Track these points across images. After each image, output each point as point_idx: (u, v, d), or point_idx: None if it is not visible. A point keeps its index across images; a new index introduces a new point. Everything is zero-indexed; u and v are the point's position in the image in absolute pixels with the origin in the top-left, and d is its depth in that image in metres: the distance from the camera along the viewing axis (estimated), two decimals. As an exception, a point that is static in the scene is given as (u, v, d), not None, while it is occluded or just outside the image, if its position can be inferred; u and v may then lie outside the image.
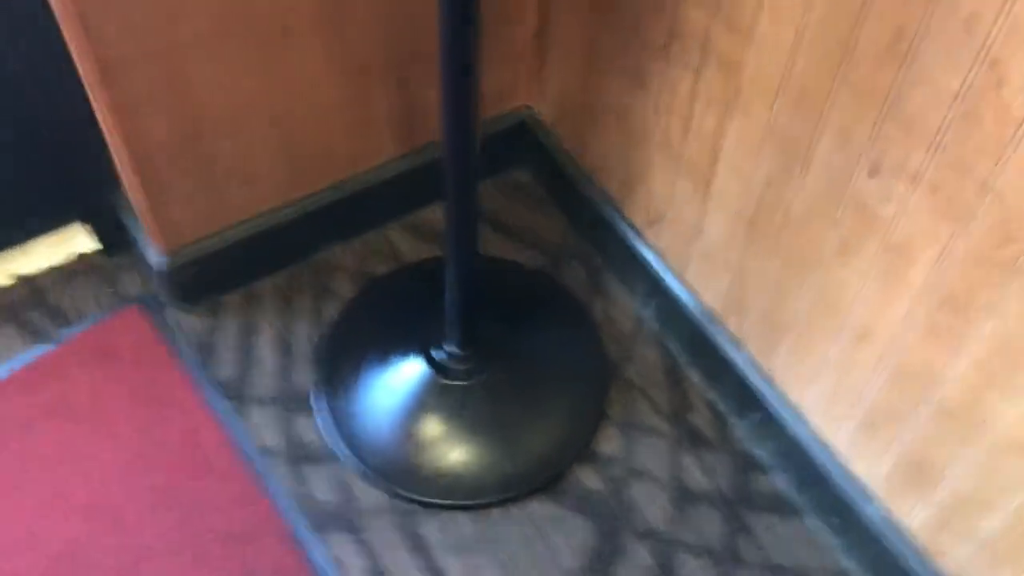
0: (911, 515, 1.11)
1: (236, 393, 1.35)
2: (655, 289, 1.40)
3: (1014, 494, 0.97)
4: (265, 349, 1.39)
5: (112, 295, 1.45)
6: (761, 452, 1.31)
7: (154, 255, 1.36)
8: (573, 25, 1.34)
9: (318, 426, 1.32)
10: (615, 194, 1.42)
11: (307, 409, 1.34)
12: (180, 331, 1.41)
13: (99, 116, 1.18)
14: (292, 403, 1.34)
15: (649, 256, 1.38)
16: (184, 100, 1.21)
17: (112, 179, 1.41)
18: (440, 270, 1.24)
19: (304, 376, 1.37)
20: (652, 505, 1.27)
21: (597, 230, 1.48)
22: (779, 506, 1.27)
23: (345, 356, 1.37)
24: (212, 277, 1.42)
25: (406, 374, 1.33)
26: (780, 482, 1.29)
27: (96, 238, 1.48)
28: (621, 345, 1.42)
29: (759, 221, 1.14)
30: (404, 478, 1.26)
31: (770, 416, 1.26)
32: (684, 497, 1.28)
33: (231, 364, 1.38)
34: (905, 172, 0.92)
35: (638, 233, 1.40)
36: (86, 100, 1.18)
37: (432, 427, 1.29)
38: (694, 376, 1.39)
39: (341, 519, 1.24)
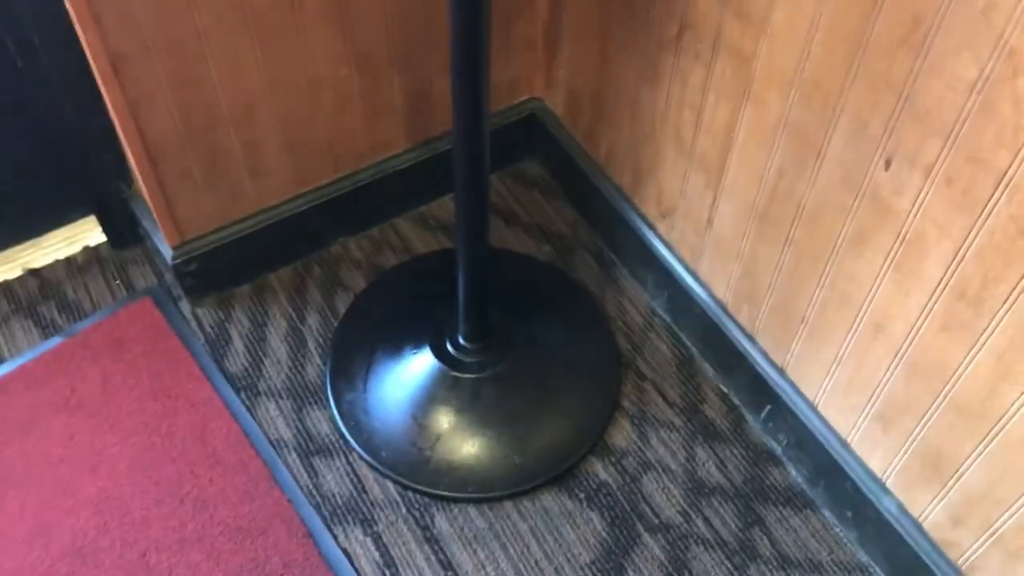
0: (926, 509, 1.11)
1: (247, 385, 1.35)
2: (667, 281, 1.39)
3: (1030, 489, 0.96)
4: (276, 342, 1.39)
5: (123, 288, 1.45)
6: (775, 445, 1.31)
7: (165, 248, 1.36)
8: (584, 16, 1.33)
9: (329, 419, 1.32)
10: (626, 187, 1.41)
11: (318, 402, 1.34)
12: (191, 324, 1.41)
13: (110, 109, 1.18)
14: (303, 396, 1.34)
15: (661, 248, 1.38)
16: (194, 93, 1.20)
17: (123, 172, 1.41)
18: (451, 262, 1.23)
19: (315, 369, 1.37)
20: (665, 498, 1.26)
21: (608, 222, 1.47)
22: (793, 499, 1.27)
23: (356, 349, 1.37)
24: (223, 270, 1.42)
25: (417, 367, 1.32)
26: (794, 475, 1.29)
27: (107, 231, 1.48)
28: (633, 338, 1.41)
29: (772, 213, 1.13)
30: (415, 471, 1.26)
31: (784, 408, 1.25)
32: (697, 490, 1.27)
33: (242, 357, 1.38)
34: (920, 164, 0.91)
35: (650, 225, 1.39)
36: (97, 93, 1.18)
37: (443, 420, 1.29)
38: (707, 368, 1.38)
39: (352, 512, 1.24)
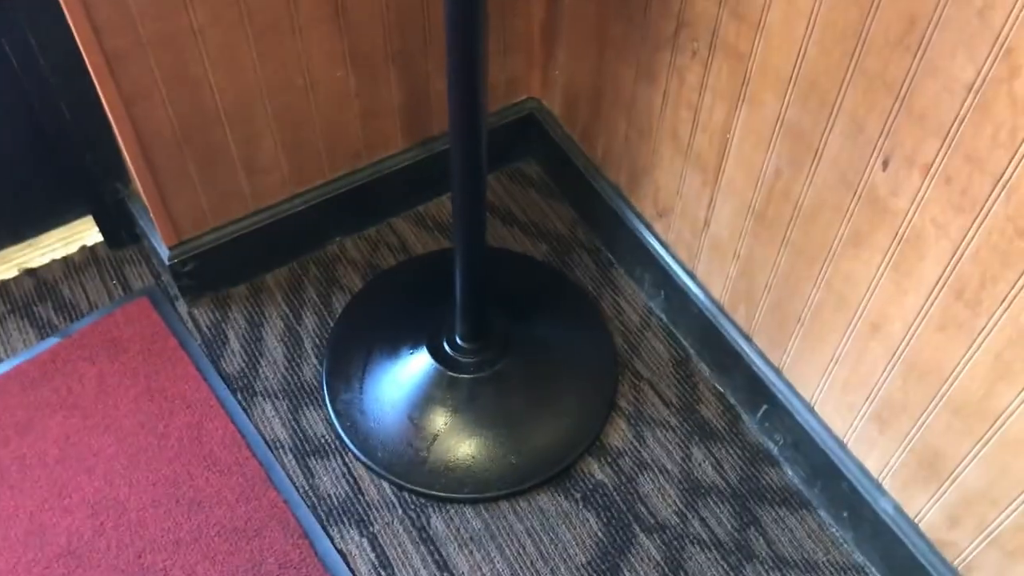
0: (922, 509, 1.10)
1: (243, 386, 1.35)
2: (664, 281, 1.39)
3: (1027, 489, 0.96)
4: (272, 342, 1.39)
5: (120, 288, 1.45)
6: (771, 445, 1.31)
7: (162, 248, 1.36)
8: (581, 15, 1.33)
9: (325, 419, 1.32)
10: (623, 186, 1.41)
11: (314, 402, 1.33)
12: (187, 324, 1.41)
13: (106, 107, 1.17)
14: (299, 396, 1.34)
15: (658, 248, 1.37)
16: (190, 92, 1.20)
17: (120, 172, 1.41)
18: (447, 262, 1.23)
19: (311, 369, 1.36)
20: (661, 498, 1.26)
21: (606, 222, 1.47)
22: (789, 499, 1.27)
23: (353, 349, 1.36)
24: (220, 269, 1.41)
25: (414, 367, 1.32)
26: (790, 475, 1.29)
27: (104, 231, 1.48)
28: (630, 337, 1.41)
29: (769, 213, 1.13)
30: (411, 471, 1.26)
31: (780, 408, 1.25)
32: (693, 490, 1.27)
33: (238, 357, 1.37)
34: (918, 164, 0.91)
35: (647, 225, 1.39)
36: (93, 92, 1.18)
37: (440, 420, 1.29)
38: (704, 368, 1.38)
39: (348, 513, 1.24)
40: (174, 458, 1.27)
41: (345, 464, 1.28)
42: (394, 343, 1.36)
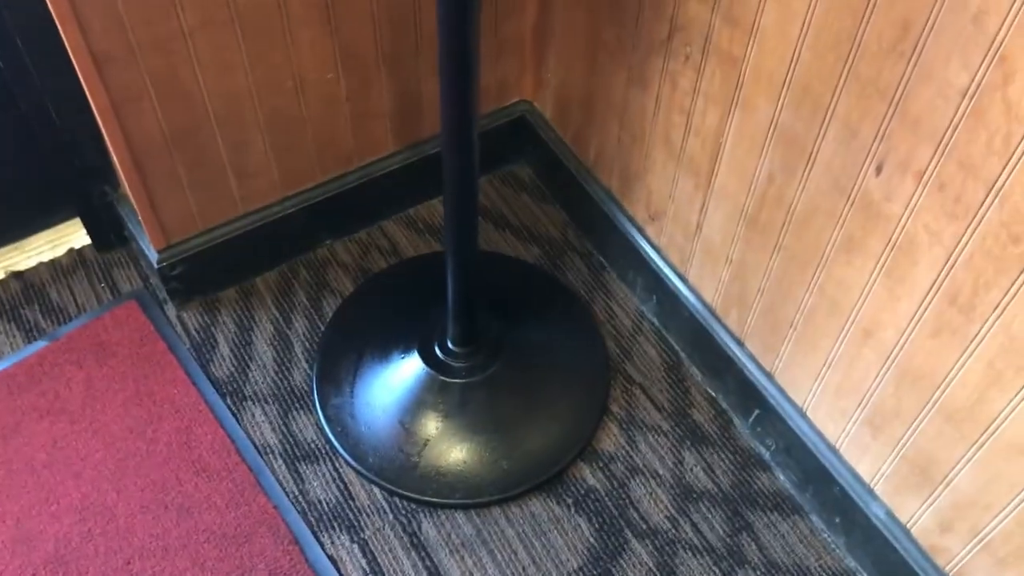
0: (914, 514, 1.10)
1: (232, 390, 1.34)
2: (656, 285, 1.38)
3: (1017, 496, 0.96)
4: (262, 346, 1.38)
5: (108, 291, 1.43)
6: (763, 450, 1.30)
7: (151, 251, 1.35)
8: (573, 19, 1.32)
9: (315, 424, 1.31)
10: (615, 190, 1.41)
11: (304, 407, 1.33)
12: (176, 327, 1.40)
13: (95, 110, 1.16)
14: (289, 400, 1.33)
15: (650, 252, 1.37)
16: (180, 94, 1.19)
17: (108, 174, 1.39)
18: (439, 265, 1.22)
19: (301, 373, 1.36)
20: (653, 503, 1.26)
21: (598, 226, 1.47)
22: (781, 504, 1.26)
23: (343, 353, 1.36)
24: (209, 273, 1.40)
25: (405, 372, 1.32)
26: (782, 480, 1.28)
27: (92, 234, 1.46)
28: (622, 341, 1.41)
29: (761, 218, 1.13)
30: (403, 477, 1.25)
31: (772, 413, 1.25)
32: (685, 495, 1.27)
33: (228, 361, 1.37)
34: (912, 170, 0.91)
35: (639, 229, 1.39)
36: (81, 95, 1.16)
37: (431, 425, 1.28)
38: (695, 373, 1.38)
39: (339, 518, 1.23)
40: (163, 463, 1.26)
41: (335, 469, 1.27)
42: (385, 347, 1.35)
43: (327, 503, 1.24)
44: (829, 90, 0.96)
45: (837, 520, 1.22)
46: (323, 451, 1.29)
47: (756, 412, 1.28)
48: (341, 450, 1.28)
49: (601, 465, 1.29)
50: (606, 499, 1.26)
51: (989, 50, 0.79)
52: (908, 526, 1.12)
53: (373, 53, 1.31)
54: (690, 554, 1.22)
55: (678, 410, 1.34)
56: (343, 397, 1.32)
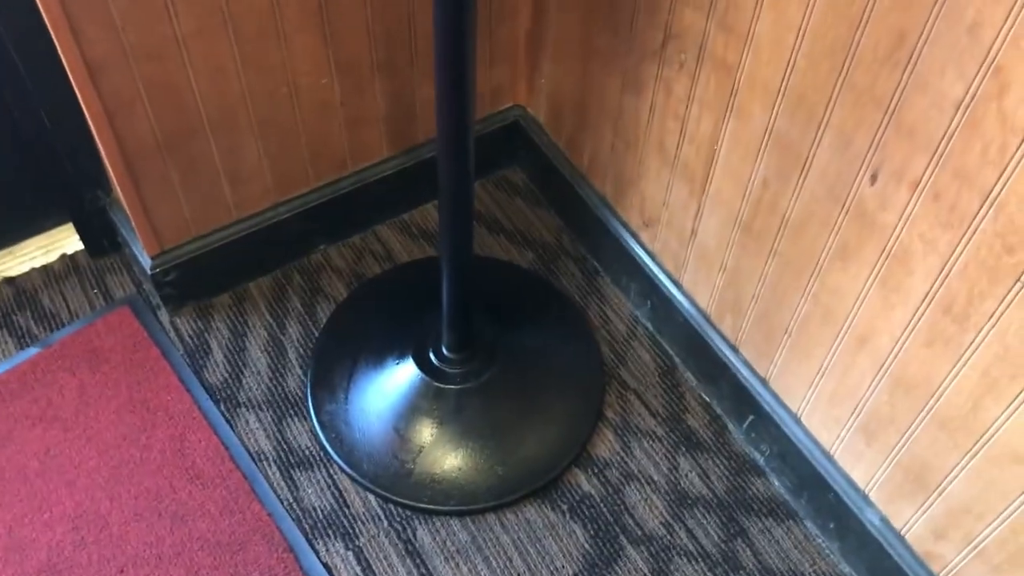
0: (908, 521, 1.11)
1: (226, 397, 1.33)
2: (650, 291, 1.38)
3: (1011, 504, 0.96)
4: (256, 352, 1.38)
5: (101, 297, 1.43)
6: (758, 455, 1.30)
7: (144, 257, 1.34)
8: (567, 25, 1.32)
9: (310, 431, 1.30)
10: (609, 196, 1.41)
11: (298, 413, 1.32)
12: (170, 334, 1.39)
13: (87, 116, 1.16)
14: (283, 407, 1.33)
15: (644, 257, 1.37)
16: (173, 100, 1.19)
17: (101, 180, 1.39)
18: (433, 270, 1.22)
19: (295, 380, 1.35)
20: (648, 509, 1.26)
21: (592, 231, 1.47)
22: (776, 510, 1.27)
23: (337, 359, 1.35)
24: (202, 279, 1.40)
25: (400, 377, 1.31)
26: (777, 485, 1.28)
27: (84, 239, 1.46)
28: (616, 347, 1.41)
29: (756, 225, 1.13)
30: (397, 483, 1.25)
31: (767, 419, 1.25)
32: (680, 501, 1.27)
33: (221, 367, 1.36)
34: (906, 179, 0.91)
35: (633, 234, 1.39)
36: (74, 100, 1.16)
37: (426, 432, 1.28)
38: (690, 378, 1.38)
39: (334, 526, 1.23)
40: (156, 471, 1.26)
41: (330, 476, 1.27)
42: (380, 353, 1.35)
43: (322, 510, 1.24)
44: (824, 98, 0.96)
45: (831, 526, 1.22)
46: (317, 458, 1.28)
47: (750, 418, 1.29)
48: (336, 457, 1.27)
49: (596, 471, 1.29)
50: (601, 505, 1.26)
51: (984, 61, 0.79)
52: (902, 532, 1.12)
53: (367, 58, 1.30)
54: (685, 560, 1.22)
55: (673, 416, 1.34)
56: (338, 403, 1.31)
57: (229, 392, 1.34)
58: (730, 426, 1.33)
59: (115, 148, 1.19)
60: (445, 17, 0.92)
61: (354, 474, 1.26)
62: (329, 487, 1.26)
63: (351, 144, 1.40)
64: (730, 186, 1.15)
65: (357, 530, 1.23)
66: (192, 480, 1.25)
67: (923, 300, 0.95)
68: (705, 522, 1.25)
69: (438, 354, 1.31)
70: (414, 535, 1.23)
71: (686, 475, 1.29)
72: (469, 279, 1.21)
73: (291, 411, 1.32)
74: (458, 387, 1.30)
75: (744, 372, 1.27)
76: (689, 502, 1.27)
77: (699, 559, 1.22)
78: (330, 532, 1.23)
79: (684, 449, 1.31)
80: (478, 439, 1.28)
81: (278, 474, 1.27)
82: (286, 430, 1.31)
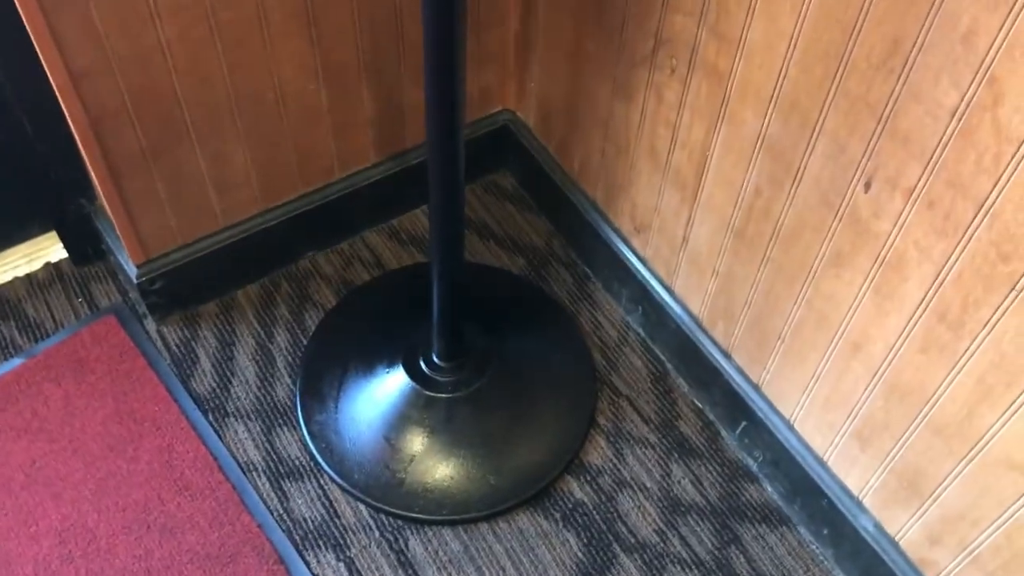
0: (903, 527, 1.10)
1: (214, 407, 1.32)
2: (642, 296, 1.38)
3: (1006, 511, 0.96)
4: (244, 361, 1.36)
5: (86, 306, 1.41)
6: (750, 461, 1.30)
7: (129, 265, 1.33)
8: (557, 29, 1.31)
9: (299, 440, 1.29)
10: (600, 201, 1.40)
11: (288, 423, 1.31)
12: (156, 342, 1.38)
13: (71, 125, 1.14)
14: (272, 416, 1.31)
15: (635, 263, 1.36)
16: (159, 107, 1.17)
17: (85, 188, 1.37)
18: (423, 277, 1.21)
19: (284, 389, 1.34)
20: (641, 517, 1.25)
21: (582, 236, 1.46)
22: (769, 516, 1.26)
23: (327, 368, 1.34)
24: (189, 287, 1.38)
25: (390, 386, 1.30)
26: (770, 491, 1.28)
27: (69, 247, 1.44)
28: (608, 353, 1.40)
29: (748, 232, 1.13)
30: (388, 493, 1.24)
31: (760, 425, 1.25)
32: (673, 508, 1.26)
33: (209, 377, 1.35)
34: (901, 187, 0.90)
35: (624, 240, 1.38)
36: (57, 108, 1.14)
37: (417, 441, 1.27)
38: (682, 384, 1.37)
39: (325, 536, 1.22)
40: (144, 482, 1.24)
41: (320, 487, 1.26)
42: (369, 361, 1.33)
43: (312, 521, 1.23)
44: (817, 105, 0.95)
45: (825, 532, 1.21)
46: (308, 468, 1.27)
47: (743, 424, 1.28)
48: (326, 467, 1.26)
49: (589, 479, 1.28)
50: (594, 513, 1.25)
51: (979, 70, 0.78)
52: (897, 539, 1.12)
53: (355, 64, 1.29)
54: (679, 568, 1.22)
55: (665, 422, 1.33)
56: (327, 413, 1.30)
57: (217, 402, 1.32)
58: (723, 432, 1.33)
59: (99, 156, 1.18)
60: (435, 24, 0.91)
61: (345, 484, 1.25)
62: (319, 497, 1.25)
63: (338, 150, 1.39)
64: (722, 192, 1.14)
65: (348, 541, 1.22)
66: (180, 492, 1.24)
67: (918, 307, 0.95)
68: (698, 529, 1.25)
69: (429, 362, 1.30)
70: (406, 545, 1.22)
71: (679, 482, 1.28)
72: (460, 287, 1.20)
73: (280, 421, 1.31)
74: (449, 395, 1.29)
75: (737, 378, 1.26)
76: (682, 509, 1.26)
77: (693, 566, 1.22)
78: (321, 543, 1.21)
79: (677, 455, 1.31)
80: (470, 448, 1.27)
81: (268, 485, 1.26)
82: (275, 440, 1.29)
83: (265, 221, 1.39)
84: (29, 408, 1.29)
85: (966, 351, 0.92)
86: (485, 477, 1.25)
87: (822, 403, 1.14)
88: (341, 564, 1.20)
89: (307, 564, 1.20)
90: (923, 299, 0.94)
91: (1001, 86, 0.77)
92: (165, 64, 1.13)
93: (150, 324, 1.39)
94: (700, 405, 1.35)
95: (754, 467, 1.30)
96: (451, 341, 1.28)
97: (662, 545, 1.23)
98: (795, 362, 1.16)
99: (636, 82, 1.19)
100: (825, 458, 1.18)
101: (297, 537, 1.22)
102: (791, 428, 1.21)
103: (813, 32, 0.92)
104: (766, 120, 1.02)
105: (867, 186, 0.94)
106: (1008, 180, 0.80)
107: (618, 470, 1.29)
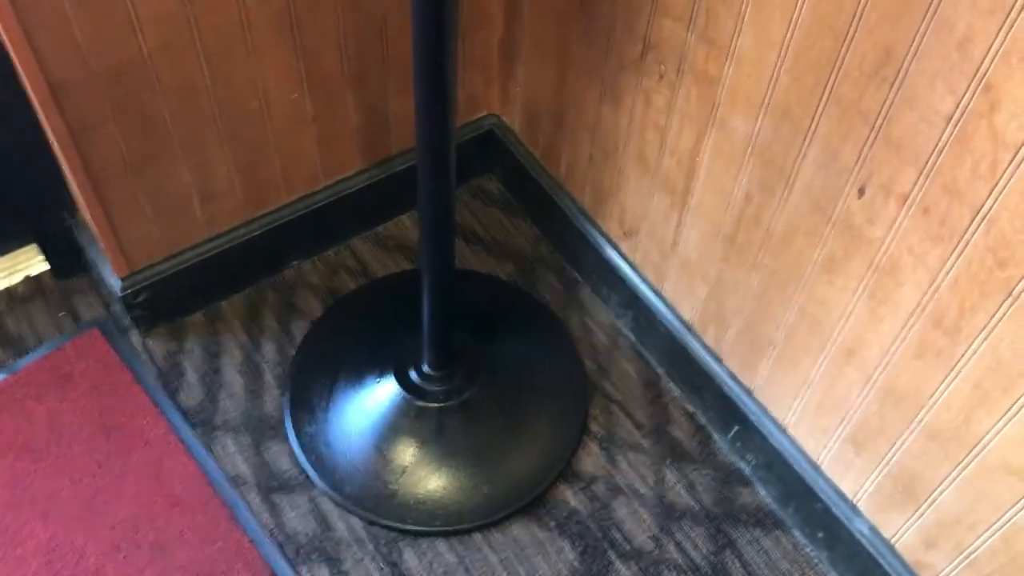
0: (899, 531, 1.10)
1: (202, 420, 1.30)
2: (632, 301, 1.37)
3: (1003, 515, 0.96)
4: (232, 373, 1.35)
5: (69, 320, 1.39)
6: (744, 465, 1.30)
7: (113, 278, 1.31)
8: (542, 33, 1.30)
9: (289, 453, 1.28)
10: (588, 206, 1.39)
11: (278, 435, 1.29)
12: (142, 356, 1.36)
13: (51, 138, 1.12)
14: (262, 429, 1.30)
15: (625, 268, 1.36)
16: (141, 118, 1.15)
17: (66, 201, 1.35)
18: (411, 284, 1.20)
19: (273, 400, 1.32)
20: (636, 523, 1.25)
21: (571, 241, 1.45)
22: (763, 520, 1.26)
23: (315, 379, 1.33)
24: (174, 298, 1.36)
25: (380, 396, 1.29)
26: (764, 495, 1.28)
27: (50, 261, 1.42)
28: (599, 358, 1.39)
29: (739, 237, 1.12)
30: (381, 505, 1.23)
31: (752, 429, 1.24)
32: (667, 514, 1.26)
33: (196, 390, 1.33)
34: (895, 193, 0.90)
35: (613, 245, 1.37)
36: (37, 120, 1.12)
37: (409, 452, 1.26)
38: (674, 389, 1.37)
39: (317, 550, 1.21)
40: (133, 499, 1.22)
41: (312, 500, 1.24)
42: (359, 371, 1.32)
43: (304, 535, 1.22)
44: (809, 112, 0.95)
45: (820, 535, 1.21)
46: (298, 481, 1.26)
47: (735, 428, 1.28)
48: (317, 479, 1.25)
49: (583, 486, 1.27)
50: (588, 521, 1.25)
51: (974, 77, 0.78)
52: (892, 542, 1.12)
53: (339, 71, 1.28)
54: (675, 574, 1.21)
55: (657, 427, 1.33)
56: (317, 424, 1.29)
57: (205, 415, 1.30)
58: (715, 436, 1.33)
59: (81, 169, 1.16)
60: (424, 28, 0.90)
61: (336, 496, 1.23)
62: (311, 511, 1.23)
63: (323, 158, 1.37)
64: (712, 198, 1.13)
65: (341, 554, 1.20)
66: (170, 508, 1.22)
67: (913, 313, 0.94)
68: (693, 534, 1.24)
69: (419, 371, 1.29)
70: (400, 557, 1.21)
71: (672, 487, 1.28)
72: (451, 296, 1.19)
73: (269, 433, 1.29)
74: (440, 405, 1.28)
75: (729, 382, 1.26)
76: (677, 514, 1.26)
77: (689, 572, 1.21)
78: (314, 557, 1.20)
79: (670, 461, 1.30)
80: (462, 458, 1.26)
81: (258, 499, 1.24)
82: (265, 453, 1.28)
83: (250, 230, 1.37)
84: (12, 425, 1.27)
85: (962, 356, 0.92)
86: (478, 487, 1.24)
87: (815, 408, 1.14)
88: (334, 578, 1.19)
89: (300, 579, 1.18)
90: (918, 305, 0.93)
91: (997, 92, 0.77)
92: (147, 74, 1.12)
93: (135, 337, 1.37)
94: (692, 410, 1.35)
95: (747, 471, 1.29)
96: (442, 350, 1.27)
97: (657, 551, 1.23)
98: (788, 367, 1.15)
99: (624, 87, 1.18)
100: (819, 462, 1.18)
101: (289, 552, 1.20)
102: (784, 432, 1.21)
103: (804, 38, 0.91)
104: (757, 126, 1.02)
105: (860, 192, 0.93)
106: (1005, 186, 0.80)
107: (612, 477, 1.28)
